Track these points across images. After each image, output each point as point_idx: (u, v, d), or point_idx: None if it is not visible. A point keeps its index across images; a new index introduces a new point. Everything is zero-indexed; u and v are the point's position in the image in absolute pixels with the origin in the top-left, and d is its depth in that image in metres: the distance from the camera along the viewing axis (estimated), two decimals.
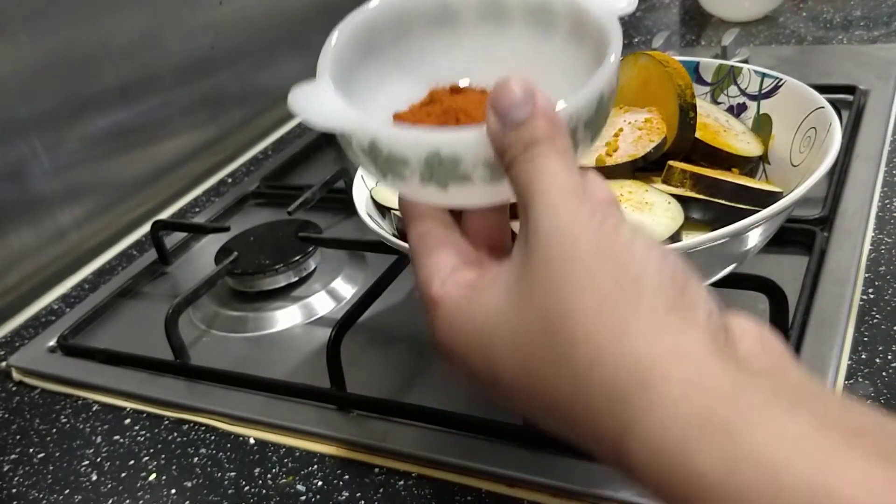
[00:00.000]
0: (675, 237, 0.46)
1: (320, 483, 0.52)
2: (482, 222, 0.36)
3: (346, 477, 0.52)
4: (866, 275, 0.60)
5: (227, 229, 0.77)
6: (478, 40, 0.41)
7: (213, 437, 0.57)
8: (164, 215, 0.90)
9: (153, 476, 0.55)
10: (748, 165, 0.60)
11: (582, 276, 0.28)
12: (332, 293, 0.70)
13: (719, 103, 0.65)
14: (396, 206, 0.54)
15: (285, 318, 0.69)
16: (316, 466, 0.53)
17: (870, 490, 0.22)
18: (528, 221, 0.31)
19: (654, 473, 0.26)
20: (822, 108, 0.56)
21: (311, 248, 0.72)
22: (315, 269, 0.72)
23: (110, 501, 0.53)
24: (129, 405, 0.62)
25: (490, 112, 0.32)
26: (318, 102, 0.35)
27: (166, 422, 0.59)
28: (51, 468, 0.57)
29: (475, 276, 0.34)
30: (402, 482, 0.51)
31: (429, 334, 0.35)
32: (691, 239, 0.44)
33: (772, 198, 0.52)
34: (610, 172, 0.55)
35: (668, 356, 0.27)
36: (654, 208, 0.52)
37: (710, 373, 0.26)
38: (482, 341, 0.32)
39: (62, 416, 0.62)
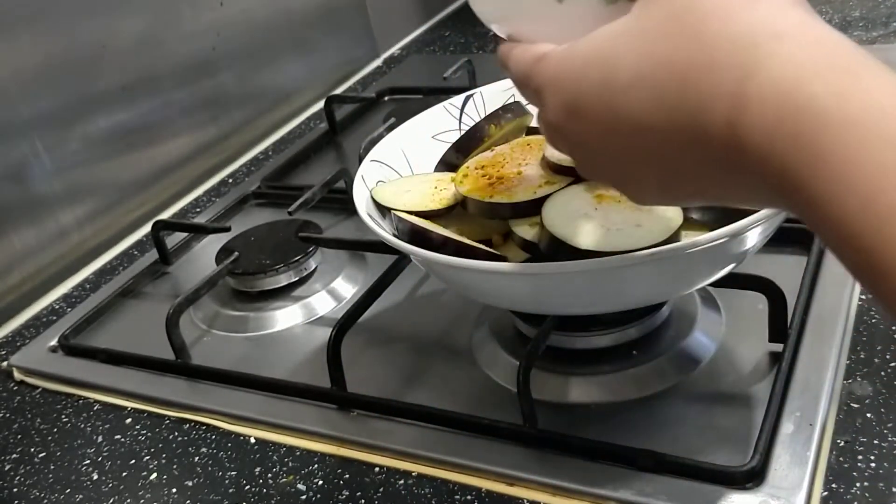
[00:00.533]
0: (674, 237, 0.46)
1: (321, 482, 0.52)
2: None
3: (347, 476, 0.52)
4: None
5: (227, 229, 0.78)
6: None
7: (213, 437, 0.57)
8: (165, 215, 0.90)
9: (154, 475, 0.55)
10: None
11: None
12: (332, 293, 0.71)
13: None
14: (397, 207, 0.55)
15: (286, 317, 0.69)
16: (316, 465, 0.53)
17: None
18: None
19: (769, 108, 0.27)
20: None
21: (311, 248, 0.72)
22: (315, 269, 0.72)
23: (111, 501, 0.53)
24: (130, 405, 0.62)
25: None
26: None
27: (167, 421, 0.60)
28: (52, 467, 0.57)
29: (577, 40, 0.34)
30: (402, 481, 0.51)
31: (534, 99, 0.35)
32: (691, 239, 0.44)
33: None
34: None
35: (800, 23, 0.28)
36: (653, 208, 0.52)
37: (838, 39, 0.28)
38: (599, 55, 0.32)
39: (63, 416, 0.62)
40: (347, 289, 0.71)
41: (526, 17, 0.37)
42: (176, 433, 0.58)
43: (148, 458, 0.56)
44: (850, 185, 0.25)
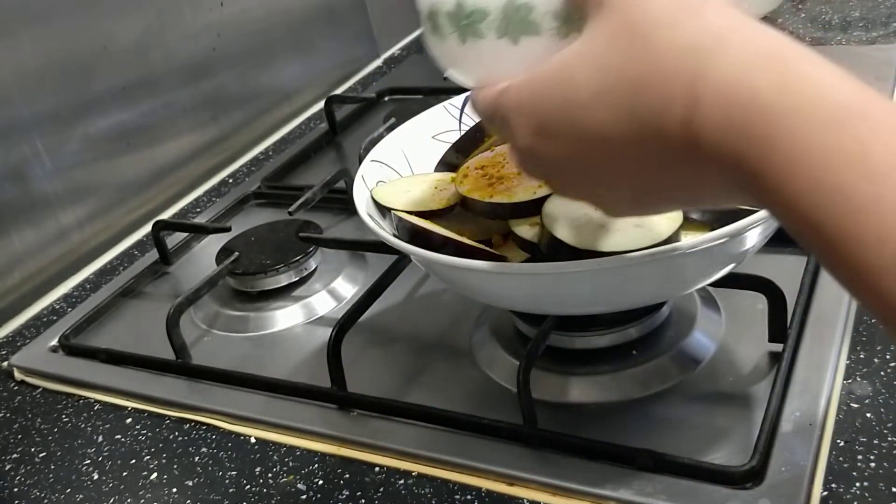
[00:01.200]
0: (674, 237, 0.46)
1: (321, 482, 0.52)
2: None
3: (347, 476, 0.52)
4: None
5: (228, 229, 0.78)
6: None
7: (214, 437, 0.57)
8: (166, 215, 0.90)
9: (154, 475, 0.55)
10: None
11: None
12: (332, 293, 0.71)
13: None
14: (397, 207, 0.55)
15: (286, 317, 0.69)
16: (317, 465, 0.53)
17: None
18: None
19: (719, 105, 0.29)
20: None
21: (311, 249, 0.72)
22: (316, 269, 0.72)
23: (112, 500, 0.53)
24: (130, 404, 0.62)
25: None
26: None
27: (167, 421, 0.60)
28: (52, 467, 0.57)
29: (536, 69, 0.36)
30: (402, 481, 0.51)
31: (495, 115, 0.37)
32: (691, 239, 0.44)
33: None
34: None
35: (742, 27, 0.30)
36: None
37: (779, 38, 0.30)
38: (559, 77, 0.34)
39: (64, 416, 0.62)
40: (347, 289, 0.71)
41: (486, 63, 0.39)
42: (176, 433, 0.58)
43: (148, 457, 0.56)
44: (798, 169, 0.27)
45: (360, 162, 0.60)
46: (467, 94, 0.66)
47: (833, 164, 0.26)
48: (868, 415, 0.49)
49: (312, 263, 0.72)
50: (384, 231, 0.51)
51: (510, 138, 0.37)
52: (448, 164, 0.60)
